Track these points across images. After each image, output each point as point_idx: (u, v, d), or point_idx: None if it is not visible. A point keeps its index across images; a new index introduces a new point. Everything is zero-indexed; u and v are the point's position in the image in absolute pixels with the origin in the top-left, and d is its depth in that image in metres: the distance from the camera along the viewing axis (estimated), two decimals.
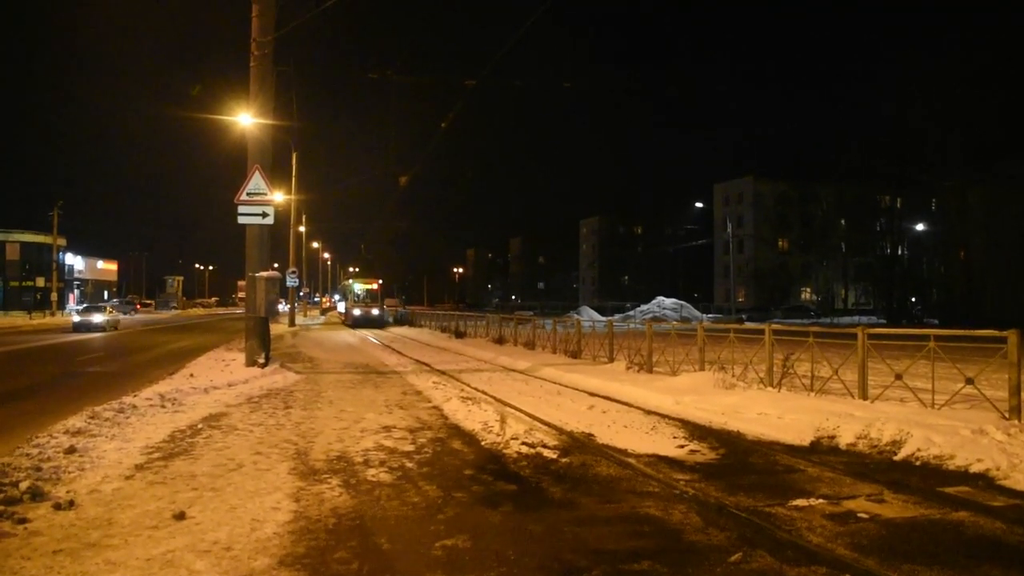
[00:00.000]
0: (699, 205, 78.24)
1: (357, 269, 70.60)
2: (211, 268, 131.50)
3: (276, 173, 23.75)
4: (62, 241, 61.71)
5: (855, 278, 67.59)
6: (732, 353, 12.49)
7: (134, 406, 8.89)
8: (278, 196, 25.26)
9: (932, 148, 48.12)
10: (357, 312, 43.18)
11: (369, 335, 31.26)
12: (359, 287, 45.78)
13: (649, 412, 9.68)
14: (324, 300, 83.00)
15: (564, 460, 6.68)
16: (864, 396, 9.37)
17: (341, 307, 55.59)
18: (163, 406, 9.17)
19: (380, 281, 47.52)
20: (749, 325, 28.89)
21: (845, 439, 7.48)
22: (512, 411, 9.51)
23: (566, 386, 12.71)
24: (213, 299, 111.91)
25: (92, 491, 5.31)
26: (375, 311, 43.58)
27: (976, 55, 44.24)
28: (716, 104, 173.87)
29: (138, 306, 75.10)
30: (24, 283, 65.29)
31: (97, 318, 34.00)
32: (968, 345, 9.10)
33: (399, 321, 47.28)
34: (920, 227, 56.75)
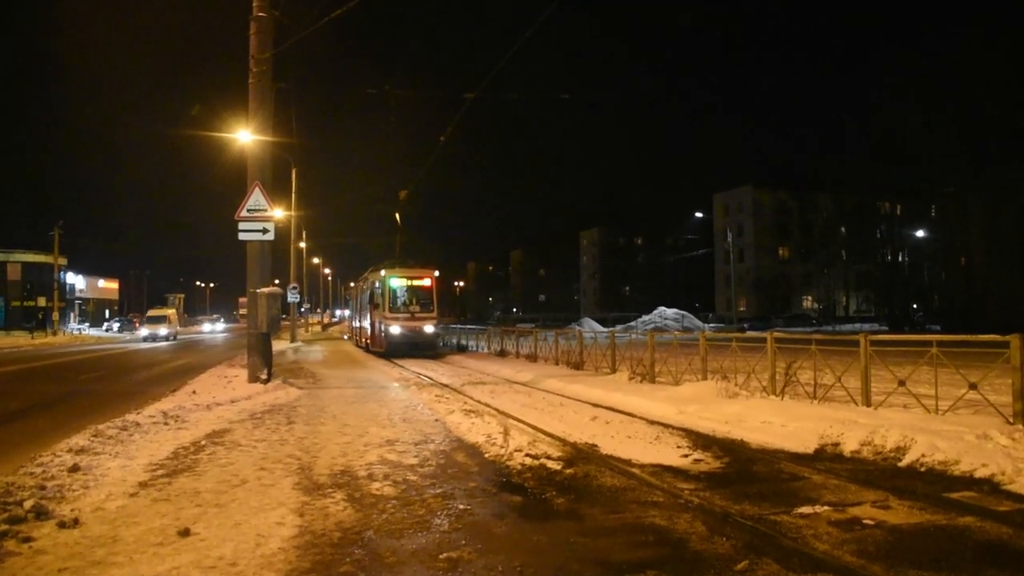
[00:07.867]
0: (699, 215, 78.44)
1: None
2: (212, 285, 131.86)
3: (276, 189, 23.85)
4: (63, 260, 61.76)
5: (856, 286, 67.70)
6: (734, 362, 12.48)
7: (137, 423, 8.88)
8: (278, 212, 25.37)
9: (931, 155, 48.32)
10: (397, 330, 25.15)
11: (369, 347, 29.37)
12: (398, 283, 25.91)
13: (652, 422, 9.67)
14: (323, 319, 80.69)
15: (568, 471, 6.67)
16: (867, 403, 9.36)
17: (367, 323, 29.48)
18: (166, 423, 9.16)
19: (436, 273, 27.27)
20: (751, 334, 28.79)
21: (849, 446, 7.47)
22: (515, 423, 9.50)
23: (569, 397, 12.69)
24: (215, 316, 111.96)
25: (96, 509, 5.30)
26: (428, 327, 25.62)
27: (974, 61, 44.44)
28: (715, 114, 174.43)
29: (136, 323, 74.82)
30: (26, 303, 65.21)
31: (163, 330, 44.99)
32: (970, 350, 9.08)
33: None
34: (920, 234, 56.87)
